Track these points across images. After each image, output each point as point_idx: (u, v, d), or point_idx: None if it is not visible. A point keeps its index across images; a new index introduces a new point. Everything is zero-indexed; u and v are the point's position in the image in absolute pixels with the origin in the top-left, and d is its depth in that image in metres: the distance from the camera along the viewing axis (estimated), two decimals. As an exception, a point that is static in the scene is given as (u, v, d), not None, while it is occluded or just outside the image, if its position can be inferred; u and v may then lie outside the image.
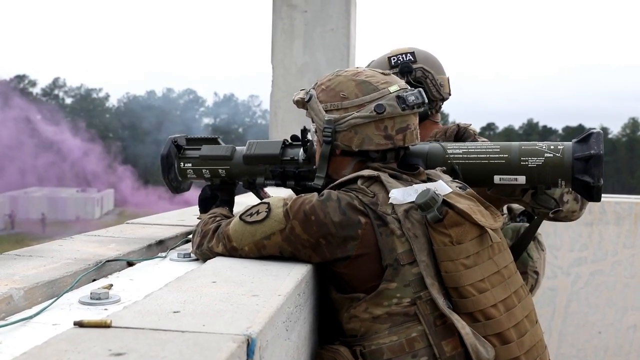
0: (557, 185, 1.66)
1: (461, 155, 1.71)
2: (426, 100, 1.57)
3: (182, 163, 2.08)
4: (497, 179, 1.68)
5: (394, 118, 1.52)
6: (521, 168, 1.66)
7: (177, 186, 2.12)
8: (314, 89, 1.63)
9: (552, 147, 1.66)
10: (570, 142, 1.66)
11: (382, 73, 1.59)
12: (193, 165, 2.07)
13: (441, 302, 1.37)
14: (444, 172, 1.64)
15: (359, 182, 1.48)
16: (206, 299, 1.13)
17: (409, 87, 1.57)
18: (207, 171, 2.05)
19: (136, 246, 1.81)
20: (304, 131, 1.88)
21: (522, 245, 1.78)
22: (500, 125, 70.12)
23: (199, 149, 2.07)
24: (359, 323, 1.43)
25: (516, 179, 1.67)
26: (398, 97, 1.52)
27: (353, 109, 1.53)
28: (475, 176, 1.68)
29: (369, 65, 2.16)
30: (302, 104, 1.65)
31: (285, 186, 1.97)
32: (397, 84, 1.55)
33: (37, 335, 1.07)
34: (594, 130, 1.64)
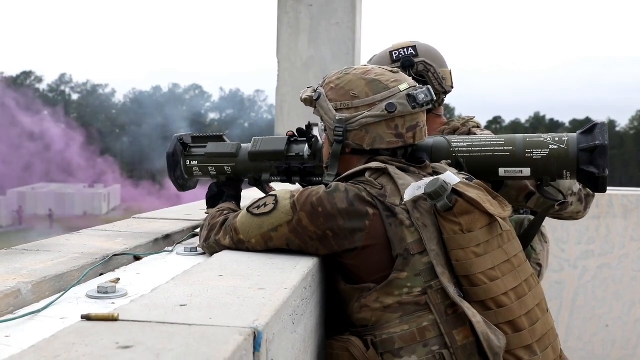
0: (562, 177, 1.66)
1: (466, 148, 1.71)
2: (434, 98, 1.58)
3: (188, 161, 2.09)
4: (502, 171, 1.68)
5: (404, 117, 1.53)
6: (526, 160, 1.65)
7: (183, 184, 2.13)
8: (321, 86, 1.64)
9: (556, 138, 1.65)
10: (575, 134, 1.65)
11: (390, 71, 1.60)
12: (199, 163, 2.07)
13: (452, 290, 1.38)
14: (449, 165, 1.64)
15: (367, 174, 1.49)
16: (213, 293, 1.14)
17: (418, 85, 1.58)
18: (213, 168, 2.05)
19: (143, 240, 1.81)
20: (309, 126, 1.88)
21: (527, 238, 1.78)
22: (507, 119, 69.92)
23: (205, 146, 2.07)
24: (370, 313, 1.44)
25: (521, 171, 1.66)
26: (408, 95, 1.53)
27: (364, 108, 1.54)
28: (480, 169, 1.68)
29: (370, 60, 2.16)
30: (310, 102, 1.65)
31: (290, 182, 1.98)
32: (406, 82, 1.57)
33: (45, 328, 1.07)
34: (599, 122, 1.63)
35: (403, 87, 1.55)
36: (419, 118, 1.57)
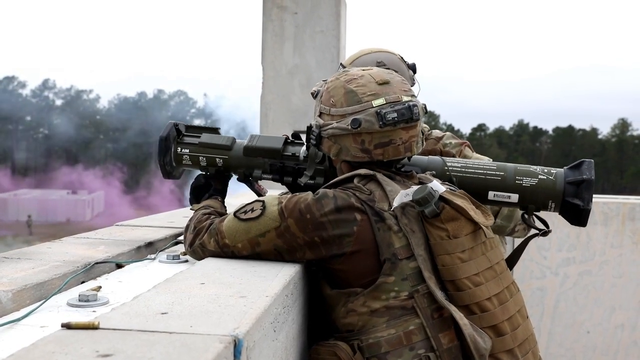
0: (546, 207, 1.72)
1: (459, 169, 1.76)
2: (415, 117, 1.51)
3: (179, 148, 2.05)
4: (491, 194, 1.73)
5: (372, 133, 1.51)
6: (515, 186, 1.71)
7: (170, 171, 2.09)
8: (326, 82, 1.64)
9: (545, 170, 1.73)
10: (563, 168, 1.74)
11: (377, 82, 1.53)
12: (190, 152, 2.04)
13: (439, 294, 1.40)
14: (433, 176, 1.67)
15: (356, 180, 1.51)
16: (194, 301, 1.14)
17: (400, 101, 1.50)
18: (204, 159, 2.02)
19: (125, 248, 1.81)
20: (310, 128, 1.89)
21: (512, 262, 1.81)
22: (491, 126, 70.55)
23: (199, 136, 2.05)
24: (357, 317, 1.45)
25: (509, 197, 1.72)
26: (377, 113, 1.49)
27: (336, 118, 1.55)
28: (470, 190, 1.71)
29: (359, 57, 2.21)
30: (314, 97, 1.67)
31: (282, 182, 1.96)
32: (384, 97, 1.50)
33: (24, 337, 1.07)
34: (586, 160, 1.72)
35: (377, 102, 1.50)
36: (394, 135, 1.51)
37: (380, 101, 1.51)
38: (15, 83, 62.16)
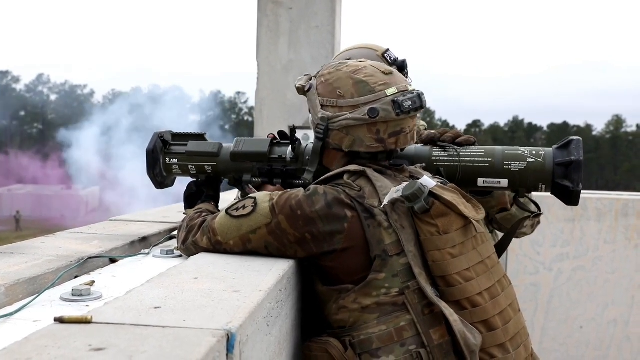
0: (537, 190, 1.72)
1: (447, 158, 1.74)
2: (424, 105, 1.55)
3: (167, 158, 2.07)
4: (480, 181, 1.72)
5: (387, 122, 1.52)
6: (504, 171, 1.70)
7: (161, 181, 2.11)
8: (315, 77, 1.63)
9: (534, 152, 1.71)
10: (551, 148, 1.71)
11: (382, 72, 1.55)
12: (179, 161, 2.06)
13: (429, 290, 1.40)
14: (424, 169, 1.67)
15: (345, 176, 1.51)
16: (187, 295, 1.14)
17: (408, 90, 1.54)
18: (193, 167, 2.04)
19: (119, 243, 1.81)
20: (293, 129, 1.89)
21: (502, 247, 1.82)
22: (486, 123, 70.65)
23: (186, 144, 2.06)
24: (348, 314, 1.45)
25: (499, 182, 1.71)
26: (393, 101, 1.50)
27: (347, 109, 1.53)
28: (459, 179, 1.71)
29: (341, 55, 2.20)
30: (302, 91, 1.66)
31: (272, 184, 1.98)
32: (395, 86, 1.53)
33: (17, 331, 1.07)
34: (574, 138, 1.70)
35: (390, 91, 1.52)
36: (404, 124, 1.54)
37: (393, 90, 1.53)
38: (9, 78, 61.83)
